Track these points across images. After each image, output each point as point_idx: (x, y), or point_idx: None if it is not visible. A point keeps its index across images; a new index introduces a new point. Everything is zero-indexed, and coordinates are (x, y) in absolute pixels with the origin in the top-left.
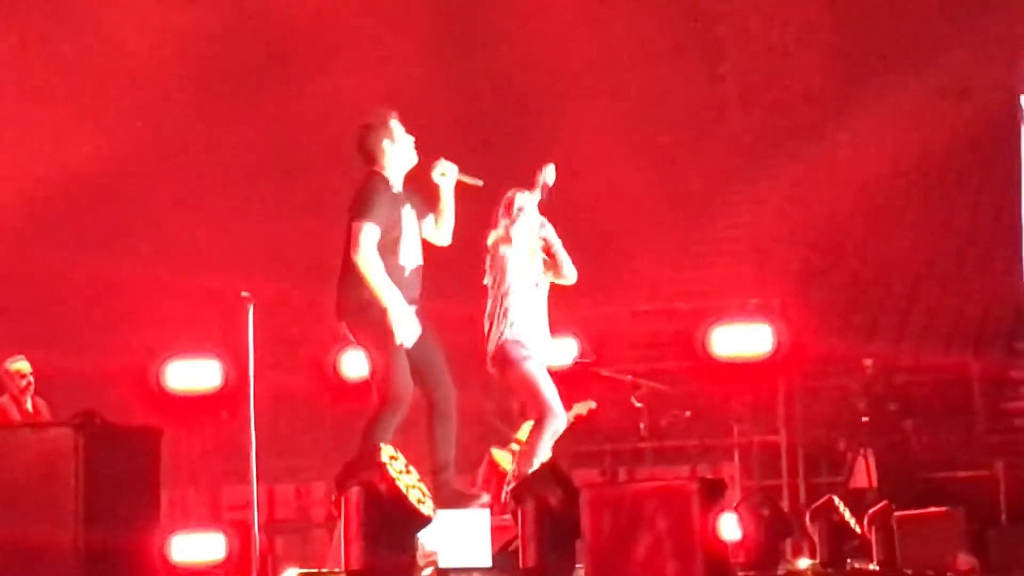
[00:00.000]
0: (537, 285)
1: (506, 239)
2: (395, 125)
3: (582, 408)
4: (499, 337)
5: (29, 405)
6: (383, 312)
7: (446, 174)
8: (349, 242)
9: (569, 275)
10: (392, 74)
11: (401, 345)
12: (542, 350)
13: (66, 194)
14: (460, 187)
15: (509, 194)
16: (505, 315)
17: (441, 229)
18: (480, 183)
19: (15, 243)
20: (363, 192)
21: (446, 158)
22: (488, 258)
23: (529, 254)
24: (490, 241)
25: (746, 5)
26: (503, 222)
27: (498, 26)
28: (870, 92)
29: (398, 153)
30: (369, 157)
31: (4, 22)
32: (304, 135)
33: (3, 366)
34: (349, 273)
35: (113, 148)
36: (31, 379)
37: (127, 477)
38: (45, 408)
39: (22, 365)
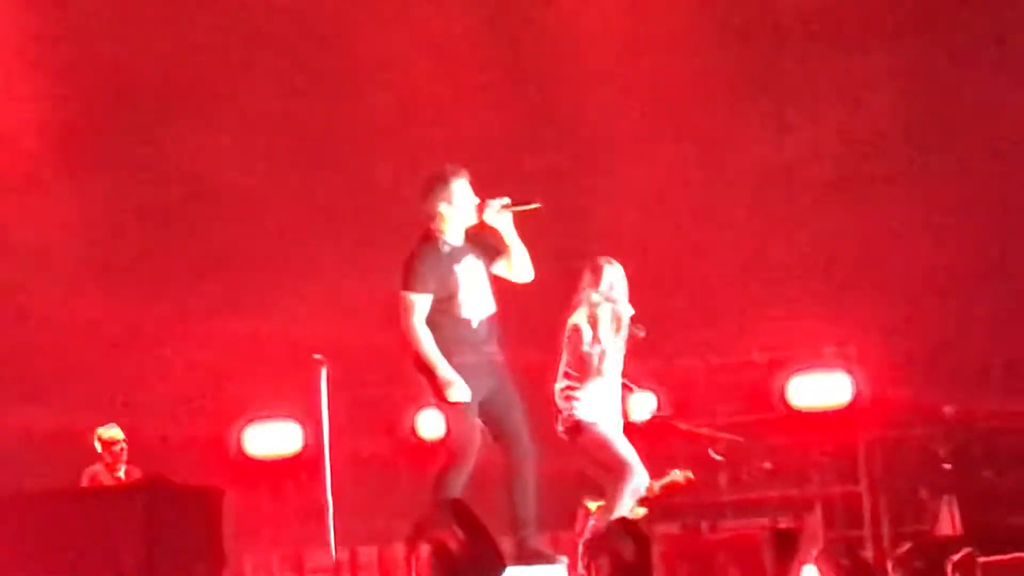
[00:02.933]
0: (608, 351)
1: (588, 321)
2: (457, 187)
3: (679, 476)
4: (565, 413)
5: (122, 473)
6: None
7: (498, 211)
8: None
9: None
10: (462, 128)
11: (469, 402)
12: (614, 414)
13: (138, 256)
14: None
15: (598, 263)
16: (575, 397)
17: (515, 267)
18: (537, 206)
19: (92, 306)
20: (409, 261)
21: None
22: (565, 337)
23: (608, 327)
24: (571, 322)
25: (813, 56)
26: (587, 295)
27: (553, 69)
28: (943, 140)
29: (455, 214)
30: (427, 211)
31: None
32: (380, 193)
33: (96, 434)
34: None
35: (189, 206)
36: (124, 445)
37: (191, 536)
38: (138, 475)
39: (115, 433)
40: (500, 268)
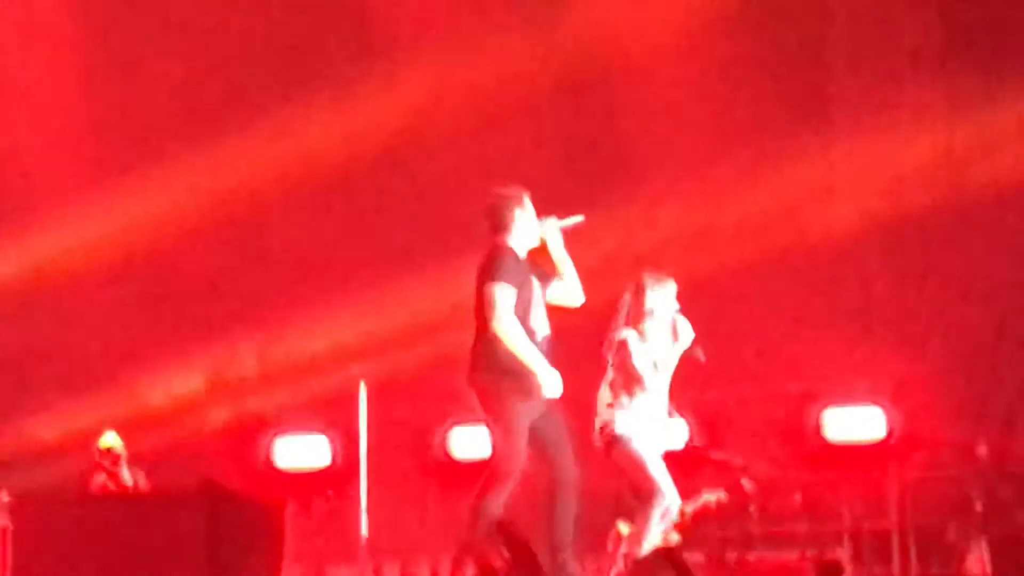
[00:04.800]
0: (657, 367)
1: (632, 329)
2: (528, 204)
3: (711, 498)
4: (606, 425)
5: (127, 476)
6: (512, 386)
7: (556, 227)
8: (484, 308)
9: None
10: (508, 148)
11: (523, 418)
12: (655, 435)
13: (168, 268)
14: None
15: (641, 281)
16: (614, 404)
17: (569, 288)
18: (581, 218)
19: (114, 313)
20: (494, 256)
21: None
22: (612, 340)
23: (656, 340)
24: (618, 337)
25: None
26: (633, 311)
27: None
28: (985, 174)
29: (526, 228)
30: (498, 226)
31: None
32: (416, 213)
33: (94, 446)
34: (483, 340)
35: (223, 237)
36: (116, 451)
37: (251, 547)
38: (142, 477)
39: (105, 440)
40: (554, 292)
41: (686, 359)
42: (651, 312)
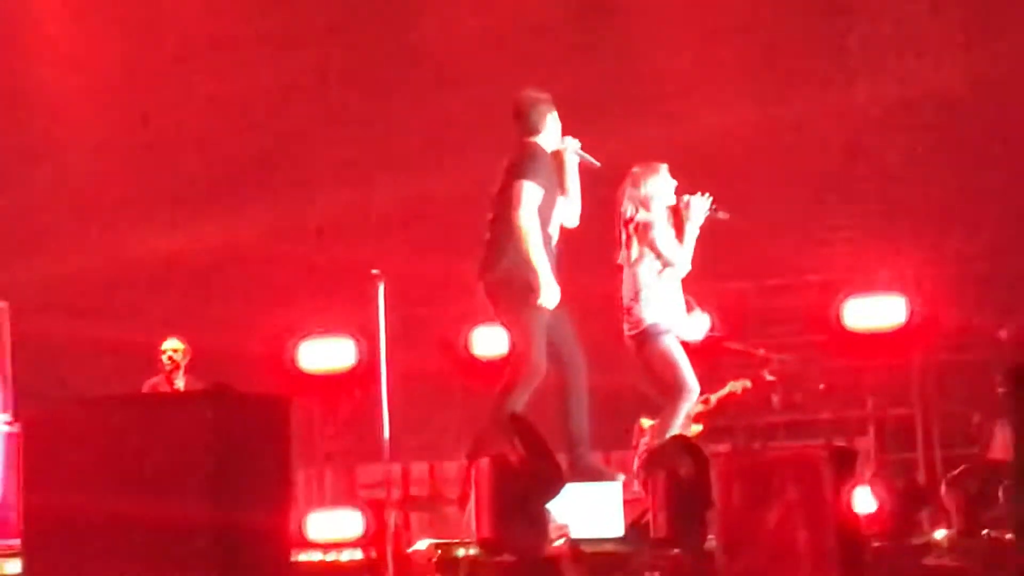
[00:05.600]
0: (682, 247)
1: (644, 215)
2: (553, 108)
3: (737, 386)
4: (636, 317)
5: (180, 383)
6: (527, 280)
7: (571, 149)
8: (509, 203)
9: (677, 261)
10: (527, 50)
11: (540, 315)
12: (677, 326)
13: (192, 171)
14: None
15: (635, 172)
16: (642, 296)
17: (568, 207)
18: (598, 164)
19: (146, 222)
20: (526, 154)
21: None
22: (623, 235)
23: (667, 229)
24: (627, 216)
25: None
26: (638, 199)
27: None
28: (1006, 66)
29: (553, 135)
30: (529, 127)
31: None
32: (436, 110)
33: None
34: (500, 236)
35: (237, 130)
36: (174, 357)
37: (259, 446)
38: (198, 385)
39: (166, 343)
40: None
41: (709, 225)
42: (654, 197)
